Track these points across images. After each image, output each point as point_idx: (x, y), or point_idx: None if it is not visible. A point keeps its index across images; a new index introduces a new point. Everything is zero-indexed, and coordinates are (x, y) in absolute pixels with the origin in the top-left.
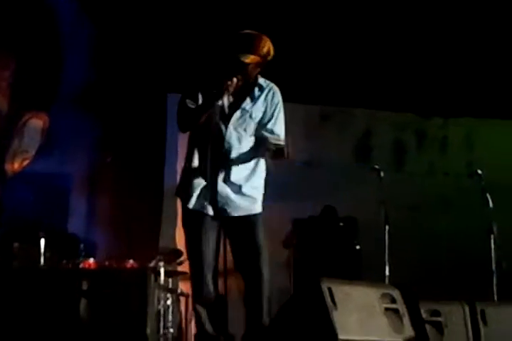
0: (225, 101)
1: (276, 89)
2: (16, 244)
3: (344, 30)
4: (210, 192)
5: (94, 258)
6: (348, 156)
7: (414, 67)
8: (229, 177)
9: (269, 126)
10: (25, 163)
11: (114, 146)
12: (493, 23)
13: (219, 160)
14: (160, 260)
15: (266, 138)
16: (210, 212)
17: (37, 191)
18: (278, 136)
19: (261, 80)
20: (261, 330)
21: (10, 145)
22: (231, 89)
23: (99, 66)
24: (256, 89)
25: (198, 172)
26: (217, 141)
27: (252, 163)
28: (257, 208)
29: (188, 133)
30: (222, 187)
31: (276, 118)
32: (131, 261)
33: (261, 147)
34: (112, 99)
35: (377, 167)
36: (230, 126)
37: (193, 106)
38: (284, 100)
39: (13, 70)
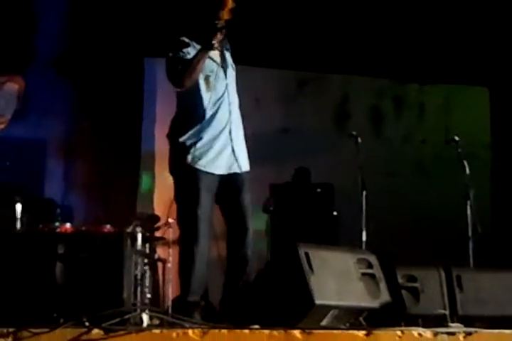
0: (216, 58)
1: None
2: None
3: None
4: (227, 150)
5: (71, 223)
6: (325, 122)
7: (392, 32)
8: (237, 134)
9: None
10: (1, 127)
11: (90, 111)
12: None
13: (229, 117)
14: (137, 225)
15: None
16: (221, 170)
17: (13, 156)
18: None
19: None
20: (238, 293)
21: None
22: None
23: (75, 29)
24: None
25: (206, 131)
26: (223, 100)
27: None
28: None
29: (165, 98)
30: (235, 144)
31: None
32: (108, 226)
33: None
34: (89, 64)
35: (354, 133)
36: (228, 82)
37: (189, 56)
38: (260, 65)
39: None
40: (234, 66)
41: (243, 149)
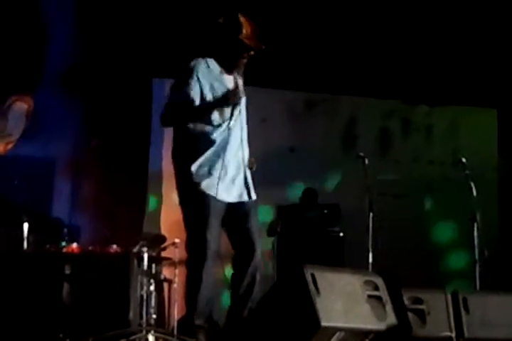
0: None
1: None
2: None
3: (331, 18)
4: (239, 178)
5: (78, 242)
6: (333, 143)
7: (401, 54)
8: (246, 161)
9: None
10: (10, 146)
11: (99, 130)
12: (478, 13)
13: (241, 143)
14: (143, 245)
15: None
16: (232, 198)
17: (21, 175)
18: None
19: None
20: (245, 317)
21: None
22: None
23: (84, 50)
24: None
25: (219, 160)
26: (234, 126)
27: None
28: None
29: None
30: (247, 172)
31: None
32: (114, 246)
33: None
34: (98, 83)
35: (361, 154)
36: (241, 108)
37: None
38: (270, 86)
39: None
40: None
41: (251, 176)
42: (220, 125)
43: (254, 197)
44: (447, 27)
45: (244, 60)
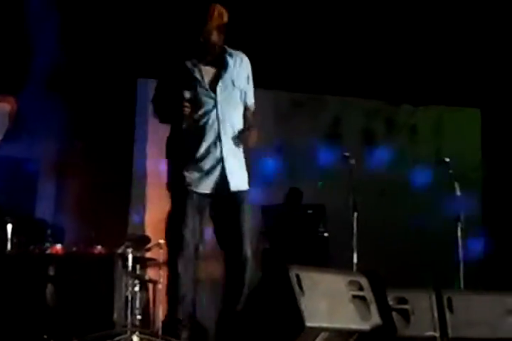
0: (204, 76)
1: (244, 55)
2: None
3: (316, 18)
4: (216, 170)
5: (62, 243)
6: (318, 143)
7: (385, 54)
8: (229, 152)
9: (248, 97)
10: None
11: (83, 131)
12: (461, 13)
13: (218, 136)
14: (128, 246)
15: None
16: (208, 190)
17: (4, 176)
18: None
19: (230, 50)
20: (235, 316)
21: None
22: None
23: (68, 50)
24: (228, 57)
25: (197, 152)
26: (210, 116)
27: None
28: (246, 184)
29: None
30: (226, 163)
31: (250, 85)
32: (98, 247)
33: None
34: (82, 84)
35: (347, 154)
36: (218, 98)
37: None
38: (255, 86)
39: None
40: (235, 83)
41: (237, 168)
42: (196, 120)
43: (235, 188)
44: (430, 27)
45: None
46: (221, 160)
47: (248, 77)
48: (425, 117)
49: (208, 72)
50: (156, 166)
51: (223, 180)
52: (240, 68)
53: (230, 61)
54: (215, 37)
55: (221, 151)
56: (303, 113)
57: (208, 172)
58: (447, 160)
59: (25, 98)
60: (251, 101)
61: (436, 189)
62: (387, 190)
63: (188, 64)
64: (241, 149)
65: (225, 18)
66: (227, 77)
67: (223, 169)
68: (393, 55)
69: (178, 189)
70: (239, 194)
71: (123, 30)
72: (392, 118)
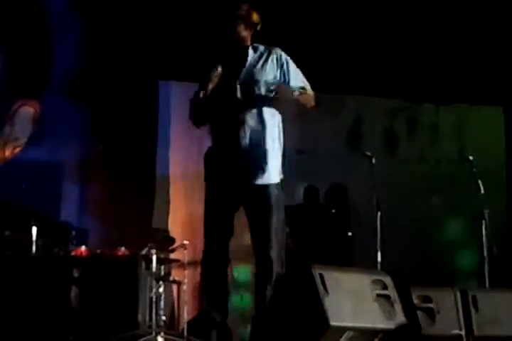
0: (225, 73)
1: (279, 50)
2: (7, 232)
3: (335, 17)
4: (239, 163)
5: (86, 245)
6: (339, 143)
7: (406, 53)
8: (250, 145)
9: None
10: (17, 150)
11: (105, 134)
12: (483, 11)
13: (240, 127)
14: (152, 247)
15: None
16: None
17: (28, 179)
18: (297, 88)
19: (258, 45)
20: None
21: (1, 133)
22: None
23: (90, 53)
24: (251, 52)
25: (222, 147)
26: (233, 110)
27: (270, 131)
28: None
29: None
30: (245, 154)
31: (289, 75)
32: (122, 249)
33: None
34: (104, 87)
35: (368, 154)
36: (238, 93)
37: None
38: None
39: (3, 57)
40: (256, 78)
41: (262, 160)
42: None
43: (259, 181)
44: (452, 25)
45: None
46: (244, 152)
47: (282, 70)
48: (447, 116)
49: (229, 68)
50: (178, 168)
51: (246, 172)
52: (266, 63)
53: (253, 56)
54: (241, 29)
55: (243, 144)
56: (323, 113)
57: (233, 165)
58: (471, 158)
59: (48, 102)
60: (298, 84)
61: (460, 187)
62: (409, 189)
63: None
64: (271, 141)
65: (254, 17)
66: (246, 72)
67: (246, 162)
68: (414, 53)
69: (212, 183)
70: (267, 187)
71: (143, 31)
72: (414, 118)
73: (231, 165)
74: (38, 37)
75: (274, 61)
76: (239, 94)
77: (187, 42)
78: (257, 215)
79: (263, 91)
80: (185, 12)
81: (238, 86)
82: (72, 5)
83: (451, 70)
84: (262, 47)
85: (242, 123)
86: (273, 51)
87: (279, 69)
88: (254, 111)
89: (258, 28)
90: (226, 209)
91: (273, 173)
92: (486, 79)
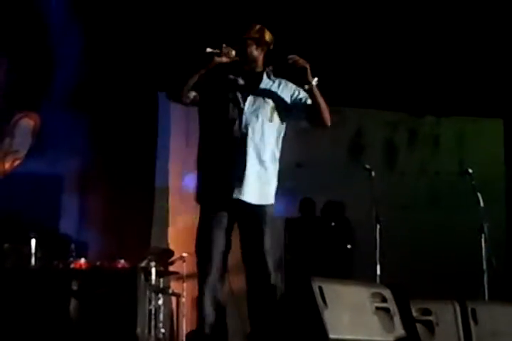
0: (237, 92)
1: (286, 81)
2: (6, 245)
3: (336, 29)
4: (237, 182)
5: (86, 258)
6: (340, 156)
7: (407, 66)
8: (252, 164)
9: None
10: (17, 163)
11: (105, 146)
12: (484, 23)
13: (242, 148)
14: (151, 260)
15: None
16: (231, 202)
17: (28, 191)
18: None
19: (270, 71)
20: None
21: (1, 146)
22: (224, 58)
23: (90, 65)
24: (265, 76)
25: (216, 161)
26: (233, 128)
27: (270, 149)
28: (269, 198)
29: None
30: (243, 173)
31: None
32: (122, 261)
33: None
34: (103, 99)
35: (368, 167)
36: (246, 112)
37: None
38: None
39: (4, 70)
40: (266, 99)
41: (259, 182)
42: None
43: (256, 202)
44: (452, 38)
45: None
46: (243, 171)
47: (295, 90)
48: (448, 128)
49: (242, 85)
50: (177, 180)
51: (243, 193)
52: (279, 89)
53: (267, 81)
54: (252, 49)
55: (243, 163)
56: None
57: (231, 184)
58: (470, 171)
59: (48, 114)
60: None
61: (460, 200)
62: (409, 201)
63: (230, 76)
64: (271, 164)
65: (267, 36)
66: (258, 92)
67: (244, 182)
68: (415, 66)
69: (205, 200)
70: (261, 208)
71: (142, 43)
72: (414, 130)
73: (227, 184)
74: (38, 49)
75: (282, 84)
76: (246, 111)
77: (187, 53)
78: (252, 236)
79: (268, 112)
80: (186, 23)
81: (247, 102)
82: (73, 17)
83: (452, 83)
84: (271, 74)
85: (244, 140)
86: (282, 80)
87: (287, 91)
88: (258, 128)
89: (271, 47)
90: (222, 227)
91: (271, 194)
92: (486, 92)
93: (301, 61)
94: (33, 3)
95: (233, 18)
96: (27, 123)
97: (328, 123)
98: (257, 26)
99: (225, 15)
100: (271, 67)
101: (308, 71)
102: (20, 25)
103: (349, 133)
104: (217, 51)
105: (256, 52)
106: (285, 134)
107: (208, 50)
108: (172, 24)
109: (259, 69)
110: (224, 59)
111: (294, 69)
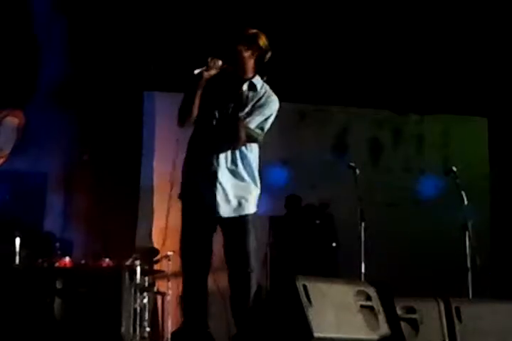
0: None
1: (272, 99)
2: None
3: (321, 30)
4: (215, 191)
5: (70, 256)
6: (324, 154)
7: (391, 64)
8: (227, 174)
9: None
10: (1, 161)
11: (90, 145)
12: (470, 21)
13: (218, 153)
14: (136, 258)
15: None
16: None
17: (12, 190)
18: (248, 123)
19: (257, 81)
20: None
21: None
22: (212, 70)
23: (75, 64)
24: (245, 86)
25: (200, 169)
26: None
27: (240, 157)
28: (250, 207)
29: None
30: (225, 186)
31: (255, 116)
32: (107, 260)
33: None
34: (89, 97)
35: (352, 164)
36: (219, 119)
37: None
38: None
39: None
40: (243, 110)
41: (236, 192)
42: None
43: (235, 213)
44: (436, 36)
45: None
46: (218, 182)
47: (260, 112)
48: (432, 126)
49: (225, 92)
50: (163, 178)
51: (222, 203)
52: (254, 103)
53: (247, 91)
54: (244, 56)
55: (218, 172)
56: (309, 124)
57: (209, 193)
58: (455, 169)
59: (33, 112)
60: (251, 124)
61: (444, 198)
62: (394, 199)
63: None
64: (247, 171)
65: (261, 42)
66: (239, 102)
67: (221, 192)
68: (399, 64)
69: (188, 202)
70: (242, 217)
71: (129, 43)
72: (399, 128)
73: (206, 196)
74: (23, 47)
75: (260, 102)
76: (214, 122)
77: (172, 53)
78: (234, 239)
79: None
80: (173, 22)
81: (226, 109)
82: (58, 14)
83: (436, 81)
84: (258, 84)
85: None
86: (267, 95)
87: (254, 108)
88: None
89: (267, 55)
90: (204, 230)
91: (252, 204)
92: (471, 90)
93: None
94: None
95: (219, 16)
96: (11, 121)
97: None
98: (251, 31)
99: (213, 14)
100: (264, 78)
101: None
102: (5, 22)
103: (334, 131)
104: (204, 68)
105: (246, 58)
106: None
107: (196, 71)
108: (159, 23)
109: (249, 75)
110: (212, 71)
111: None
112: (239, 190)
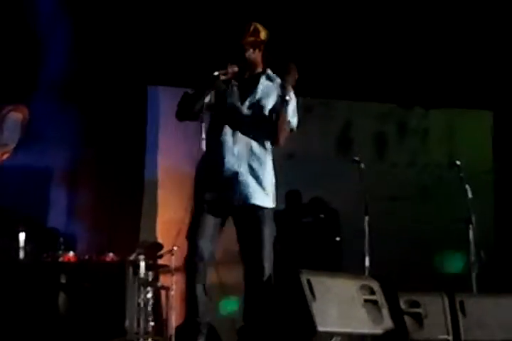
0: (235, 92)
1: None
2: None
3: (325, 23)
4: (230, 181)
5: (74, 251)
6: (329, 148)
7: (396, 58)
8: (247, 166)
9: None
10: (5, 156)
11: (94, 139)
12: (472, 16)
13: (236, 148)
14: (140, 253)
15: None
16: (226, 201)
17: (17, 185)
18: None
19: (270, 72)
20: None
21: None
22: (229, 75)
23: (79, 59)
24: (264, 78)
25: (216, 161)
26: (233, 129)
27: (264, 152)
28: (266, 201)
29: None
30: (241, 176)
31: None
32: (111, 255)
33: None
34: (93, 92)
35: (357, 158)
36: (243, 113)
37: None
38: None
39: None
40: (261, 103)
41: (254, 183)
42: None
43: (252, 201)
44: (441, 30)
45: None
46: (236, 173)
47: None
48: (437, 120)
49: (239, 87)
50: (167, 172)
51: (239, 193)
52: (274, 92)
53: (265, 82)
54: (250, 53)
55: (237, 165)
56: (313, 118)
57: (226, 185)
58: (458, 163)
59: (37, 107)
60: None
61: (448, 192)
62: (399, 193)
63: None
64: (264, 164)
65: (262, 35)
66: (255, 96)
67: (238, 183)
68: (405, 58)
69: (199, 198)
70: (257, 209)
71: (133, 37)
72: (403, 122)
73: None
74: (27, 41)
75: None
76: (242, 114)
77: (176, 47)
78: (248, 229)
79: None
80: (175, 18)
81: (244, 106)
82: (62, 9)
83: (441, 74)
84: (272, 74)
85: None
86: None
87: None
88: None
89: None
90: (214, 220)
91: (272, 198)
92: (476, 84)
93: (295, 73)
94: None
95: (221, 13)
96: (16, 116)
97: (281, 144)
98: (251, 27)
99: (214, 11)
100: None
101: (293, 84)
102: (8, 17)
103: (338, 125)
104: (223, 72)
105: (254, 55)
106: None
107: (216, 73)
108: (162, 17)
109: (259, 69)
110: (229, 76)
111: (282, 73)
112: (257, 182)
